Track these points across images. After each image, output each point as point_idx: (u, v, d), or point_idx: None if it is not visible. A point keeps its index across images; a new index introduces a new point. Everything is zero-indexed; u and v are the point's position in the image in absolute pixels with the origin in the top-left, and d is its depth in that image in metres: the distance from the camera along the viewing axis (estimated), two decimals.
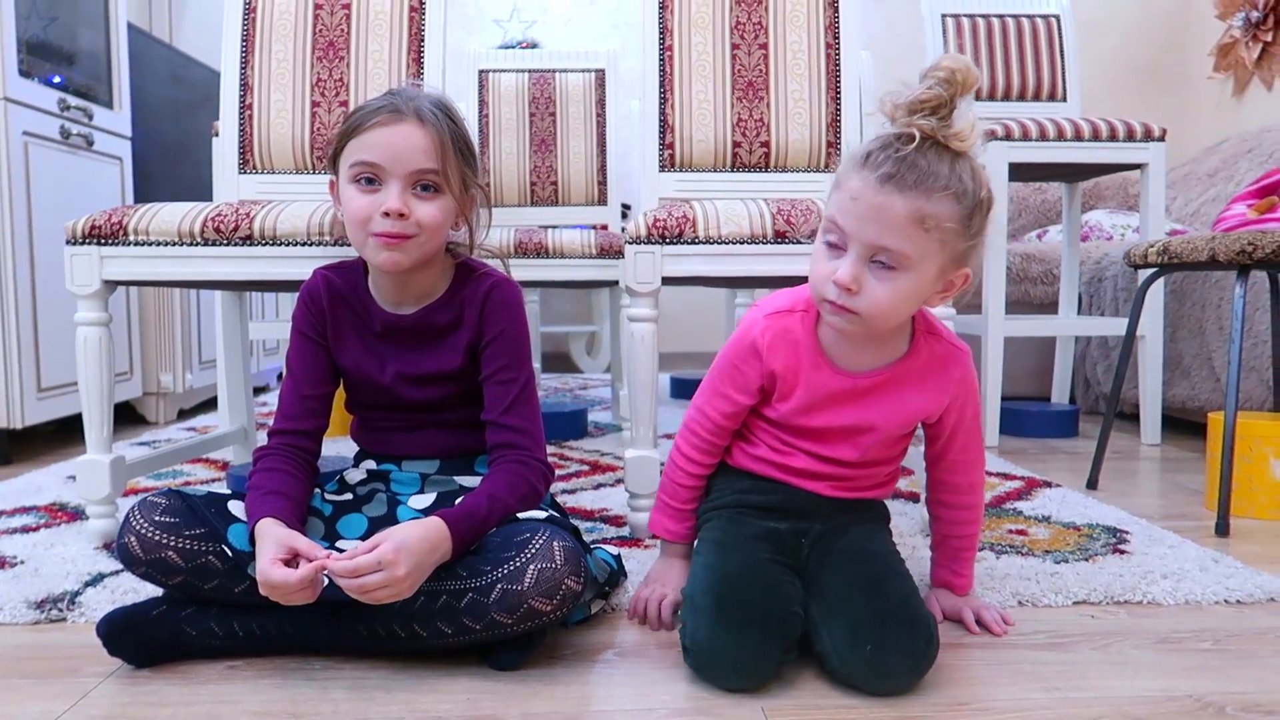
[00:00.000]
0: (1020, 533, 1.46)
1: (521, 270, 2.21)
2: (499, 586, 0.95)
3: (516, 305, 1.15)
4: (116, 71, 2.60)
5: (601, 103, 2.61)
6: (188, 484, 1.87)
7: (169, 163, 3.06)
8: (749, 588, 0.98)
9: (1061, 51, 2.70)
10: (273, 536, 0.96)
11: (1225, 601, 1.18)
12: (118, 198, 2.61)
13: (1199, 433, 2.47)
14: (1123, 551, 1.35)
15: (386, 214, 1.05)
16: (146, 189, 2.80)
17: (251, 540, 1.01)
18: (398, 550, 0.91)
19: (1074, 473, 2.00)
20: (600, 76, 2.63)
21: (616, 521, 1.53)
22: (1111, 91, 4.14)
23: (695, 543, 1.13)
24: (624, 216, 3.59)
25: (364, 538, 1.12)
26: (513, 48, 3.95)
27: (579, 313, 4.41)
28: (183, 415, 2.94)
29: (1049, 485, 1.81)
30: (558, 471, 1.96)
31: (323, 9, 1.78)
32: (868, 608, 0.95)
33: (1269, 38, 3.65)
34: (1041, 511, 1.60)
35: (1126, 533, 1.46)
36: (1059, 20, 2.72)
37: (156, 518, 1.01)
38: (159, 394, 2.80)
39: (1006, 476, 1.90)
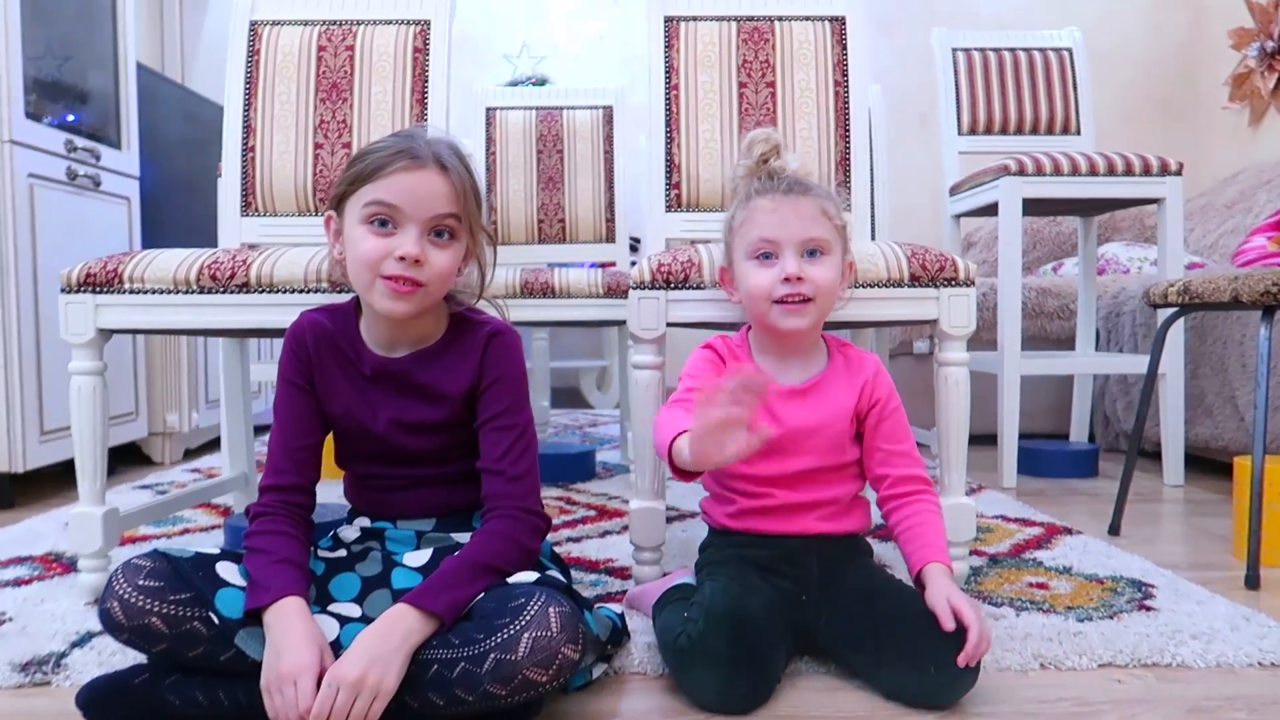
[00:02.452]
0: (1041, 586, 1.41)
1: (528, 310, 2.19)
2: (492, 656, 0.91)
3: (516, 351, 1.13)
4: (125, 111, 2.61)
5: (609, 139, 2.60)
6: (187, 531, 1.83)
7: (181, 200, 3.07)
8: (755, 627, 1.03)
9: (1074, 85, 2.67)
10: (312, 640, 0.94)
11: (1259, 664, 1.12)
12: (125, 238, 2.60)
13: (1223, 472, 2.41)
14: (1149, 608, 1.30)
15: (402, 258, 1.03)
16: (157, 228, 2.79)
17: (254, 613, 0.97)
18: (334, 677, 0.89)
19: (1095, 517, 1.94)
20: (608, 113, 2.61)
21: (622, 574, 1.49)
22: (1125, 123, 4.11)
23: (699, 573, 1.22)
24: (634, 250, 3.56)
25: (358, 599, 1.08)
26: (522, 83, 3.96)
27: (590, 347, 4.37)
28: (189, 455, 2.91)
29: (1069, 532, 1.76)
30: (563, 518, 1.92)
31: (326, 50, 1.77)
32: (911, 636, 1.02)
33: None
34: (1063, 562, 1.54)
35: (1152, 586, 1.40)
36: (1071, 53, 2.69)
37: (140, 582, 0.97)
38: (165, 434, 2.78)
39: (1026, 522, 1.84)
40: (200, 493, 1.75)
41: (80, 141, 2.37)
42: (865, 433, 1.20)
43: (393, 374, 1.11)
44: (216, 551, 1.05)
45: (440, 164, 1.07)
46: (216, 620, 0.98)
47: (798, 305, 1.13)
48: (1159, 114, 4.20)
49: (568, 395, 4.39)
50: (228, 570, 1.02)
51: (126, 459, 2.73)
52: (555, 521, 1.88)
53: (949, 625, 1.00)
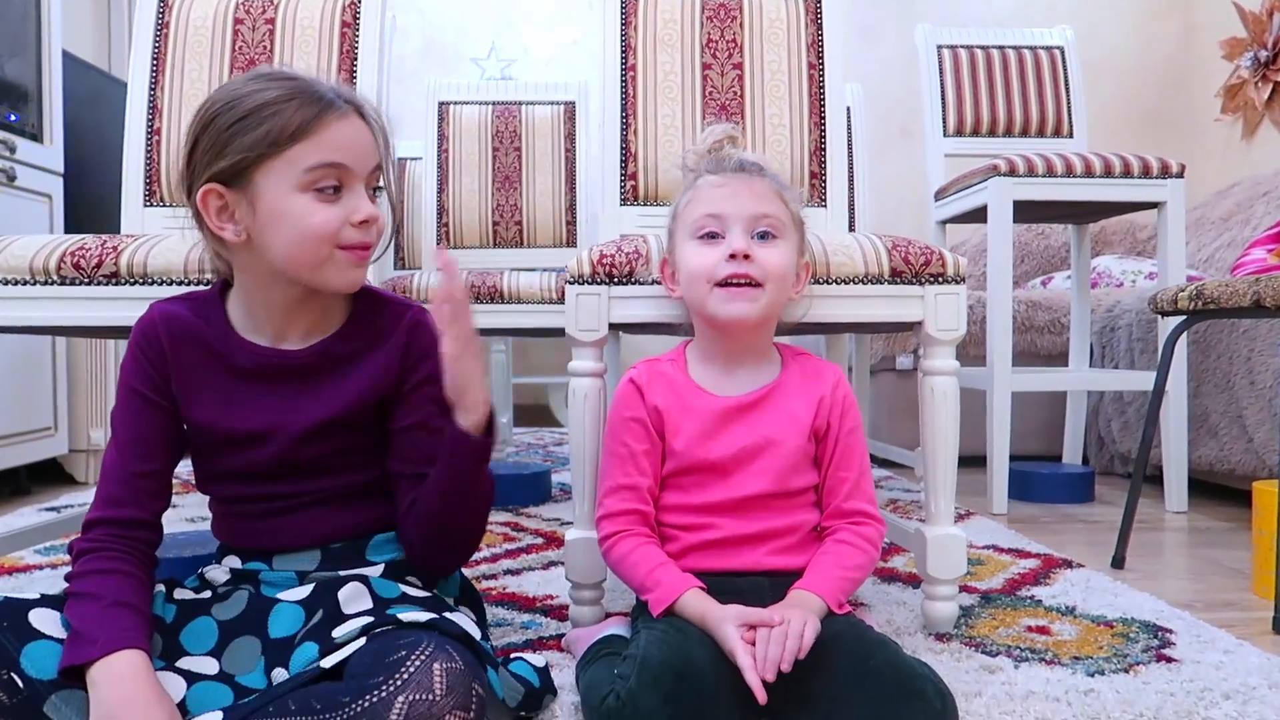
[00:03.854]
0: (1041, 630, 1.22)
1: (475, 317, 2.00)
2: None
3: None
4: (48, 104, 2.41)
5: (571, 137, 2.42)
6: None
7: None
8: (699, 682, 0.85)
9: (1066, 85, 2.52)
10: (161, 702, 0.77)
11: None
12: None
13: (1230, 497, 2.23)
14: (1169, 659, 1.11)
15: (364, 222, 0.88)
16: (86, 228, 2.59)
17: (74, 672, 0.78)
18: None
19: (1094, 547, 1.76)
20: (570, 109, 2.44)
21: (560, 614, 1.29)
22: (1114, 135, 3.93)
23: (634, 621, 1.01)
24: None
25: (214, 652, 0.89)
26: None
27: (558, 363, 4.17)
28: None
29: (1069, 565, 1.57)
30: (506, 546, 1.72)
31: (243, 24, 1.59)
32: (869, 694, 0.85)
33: (1279, 78, 3.48)
34: (1064, 601, 1.35)
35: (1169, 631, 1.21)
36: (1063, 52, 2.54)
37: None
38: (89, 451, 2.56)
39: (1020, 554, 1.65)
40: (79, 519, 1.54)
41: None
42: (819, 454, 1.05)
43: (291, 368, 0.93)
44: (34, 596, 0.85)
45: (358, 108, 0.92)
46: (21, 683, 0.78)
47: (743, 289, 0.99)
48: (1149, 126, 4.06)
49: (534, 413, 4.19)
50: (44, 619, 0.83)
51: (45, 477, 2.51)
52: (496, 551, 1.68)
53: (751, 680, 0.84)
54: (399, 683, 0.73)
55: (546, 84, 2.48)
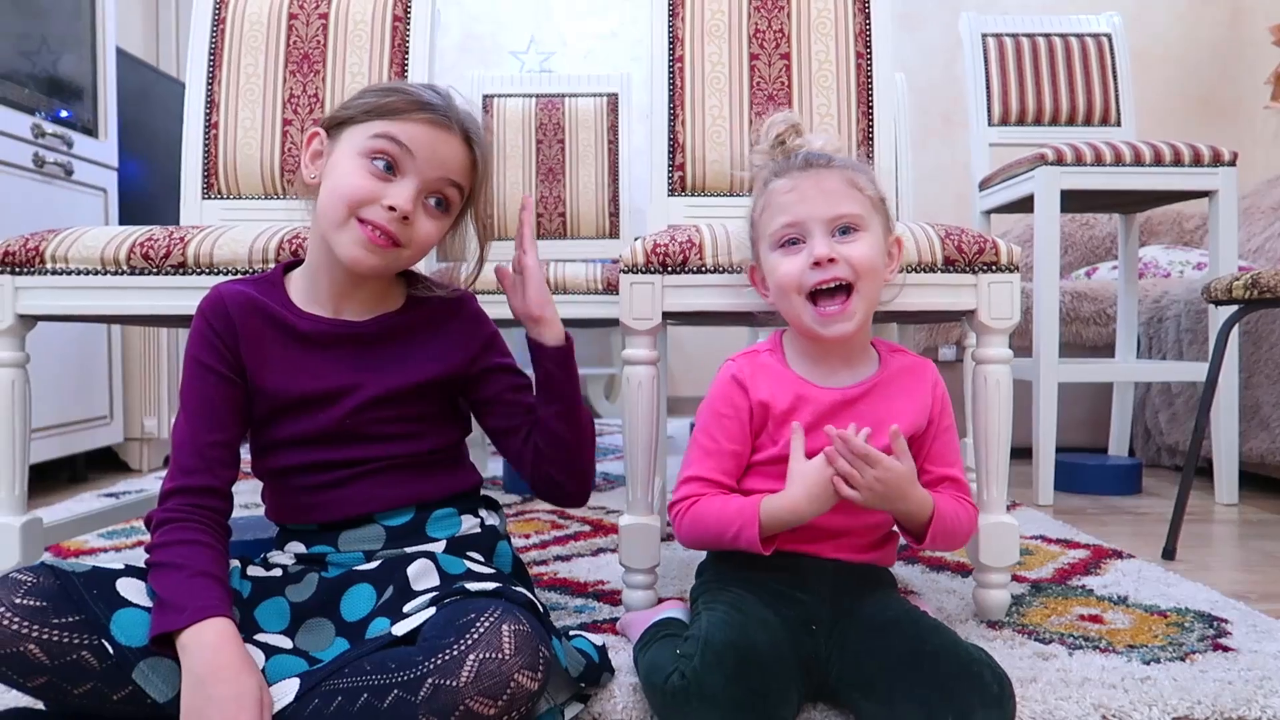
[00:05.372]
0: (1094, 619, 1.22)
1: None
2: (429, 681, 0.75)
3: None
4: (103, 100, 2.46)
5: (614, 129, 2.43)
6: (142, 544, 1.67)
7: (175, 198, 2.94)
8: (761, 662, 0.87)
9: (1114, 73, 2.48)
10: (251, 668, 0.81)
11: None
12: None
13: None
14: (1225, 648, 1.10)
15: (391, 208, 0.92)
16: (141, 219, 2.65)
17: (163, 640, 0.81)
18: None
19: (1143, 539, 1.75)
20: (613, 101, 2.44)
21: (612, 598, 1.31)
22: (1160, 123, 3.89)
23: (693, 604, 1.04)
24: None
25: (287, 631, 0.92)
26: None
27: (597, 354, 4.20)
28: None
29: (1119, 555, 1.56)
30: (554, 533, 1.74)
31: (297, 19, 1.61)
32: (927, 677, 0.85)
33: None
34: (1116, 590, 1.35)
35: (1225, 621, 1.21)
36: (1110, 39, 2.50)
37: (19, 600, 0.80)
38: (143, 439, 2.62)
39: (1069, 544, 1.65)
40: (147, 502, 1.59)
41: (49, 127, 2.22)
42: (917, 455, 1.01)
43: (354, 336, 0.99)
44: (119, 566, 0.89)
45: (466, 136, 0.98)
46: (111, 649, 0.81)
47: (837, 307, 0.97)
48: (1195, 114, 3.99)
49: None
50: (131, 588, 0.86)
51: (101, 465, 2.58)
52: (545, 537, 1.70)
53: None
54: (469, 642, 0.76)
55: (589, 76, 2.49)
